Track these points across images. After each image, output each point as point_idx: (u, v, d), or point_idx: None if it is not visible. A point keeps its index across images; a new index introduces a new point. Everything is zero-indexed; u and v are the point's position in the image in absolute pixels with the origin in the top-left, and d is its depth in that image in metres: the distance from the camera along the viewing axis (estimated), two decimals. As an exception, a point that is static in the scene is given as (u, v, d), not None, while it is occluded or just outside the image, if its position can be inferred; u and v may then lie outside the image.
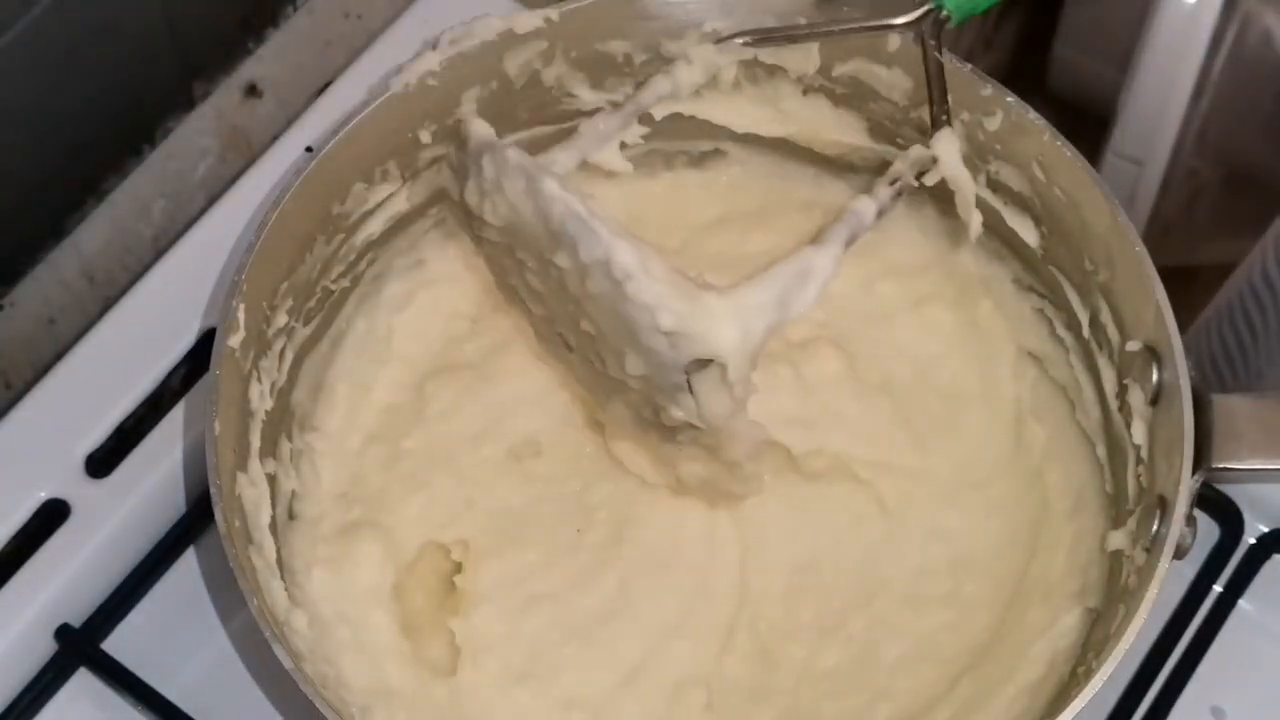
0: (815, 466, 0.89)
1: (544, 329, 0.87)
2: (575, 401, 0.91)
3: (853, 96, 0.90)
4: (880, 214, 0.81)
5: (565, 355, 0.87)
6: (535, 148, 0.92)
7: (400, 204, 0.90)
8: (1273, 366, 1.22)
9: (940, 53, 0.84)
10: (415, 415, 0.90)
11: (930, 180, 0.84)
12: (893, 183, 0.83)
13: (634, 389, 0.81)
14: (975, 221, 0.86)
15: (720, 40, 0.88)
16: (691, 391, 0.77)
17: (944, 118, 0.84)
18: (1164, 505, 0.78)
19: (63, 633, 0.87)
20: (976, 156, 0.88)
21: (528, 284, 0.84)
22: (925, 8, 0.84)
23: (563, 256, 0.77)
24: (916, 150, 0.84)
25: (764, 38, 0.88)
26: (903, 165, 0.84)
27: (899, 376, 0.91)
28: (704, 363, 0.76)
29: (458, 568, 0.87)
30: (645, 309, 0.74)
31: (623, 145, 0.90)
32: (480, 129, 0.81)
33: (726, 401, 0.78)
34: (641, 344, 0.76)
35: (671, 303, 0.74)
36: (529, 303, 0.86)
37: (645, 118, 0.92)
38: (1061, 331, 0.89)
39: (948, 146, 0.84)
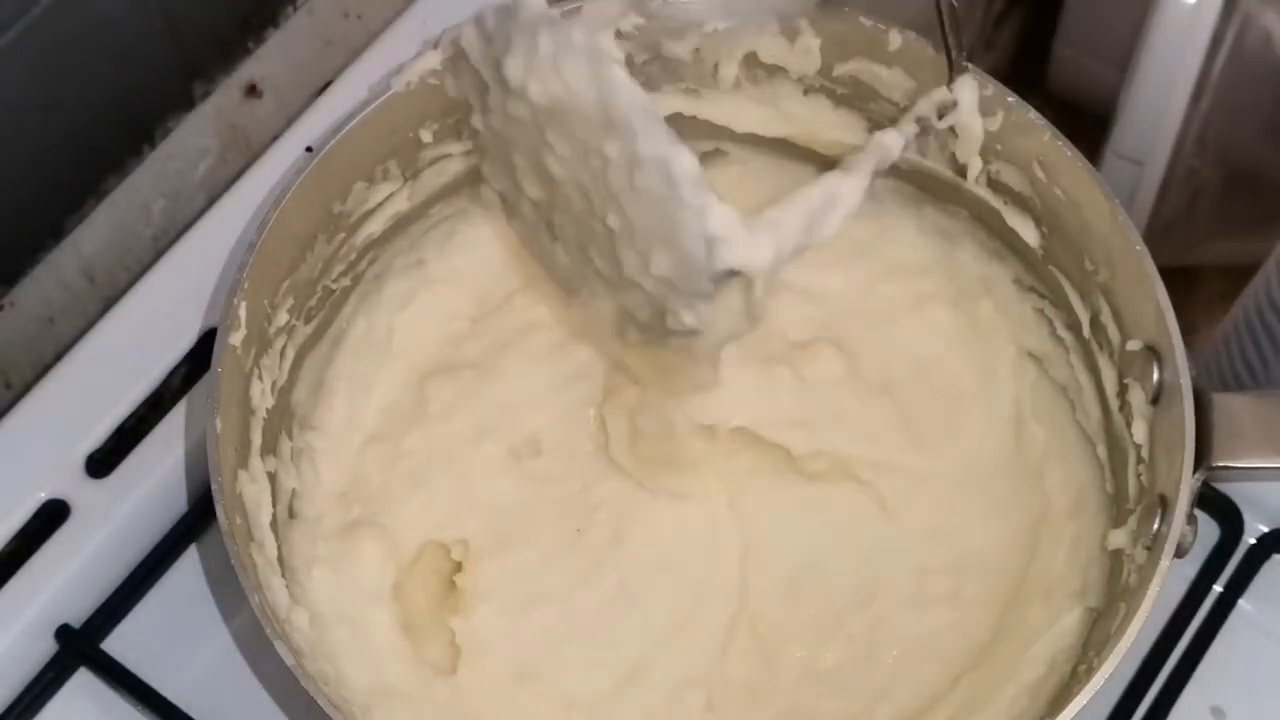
0: (816, 467, 0.89)
1: (530, 212, 0.85)
2: (576, 401, 0.91)
3: (853, 96, 0.90)
4: (904, 148, 0.82)
5: (545, 244, 0.85)
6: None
7: (401, 203, 0.90)
8: None
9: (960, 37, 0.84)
10: (415, 415, 0.90)
11: (948, 122, 0.85)
12: (918, 120, 0.83)
13: (645, 290, 0.80)
14: (975, 165, 0.87)
15: None
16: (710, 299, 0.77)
17: (961, 56, 0.83)
18: (1165, 504, 0.78)
19: (63, 633, 0.87)
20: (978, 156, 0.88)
21: (542, 166, 0.81)
22: None
23: (614, 146, 0.76)
24: (940, 92, 0.84)
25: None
26: (927, 105, 0.84)
27: (899, 377, 0.91)
28: (729, 275, 0.76)
29: (458, 567, 0.87)
30: (696, 212, 0.74)
31: (618, 33, 0.87)
32: (536, 2, 0.78)
33: (740, 314, 0.78)
34: (680, 246, 0.76)
35: (721, 211, 0.75)
36: (528, 185, 0.84)
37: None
38: (1062, 331, 0.89)
39: (968, 92, 0.84)
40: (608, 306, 0.84)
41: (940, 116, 0.84)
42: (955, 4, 0.82)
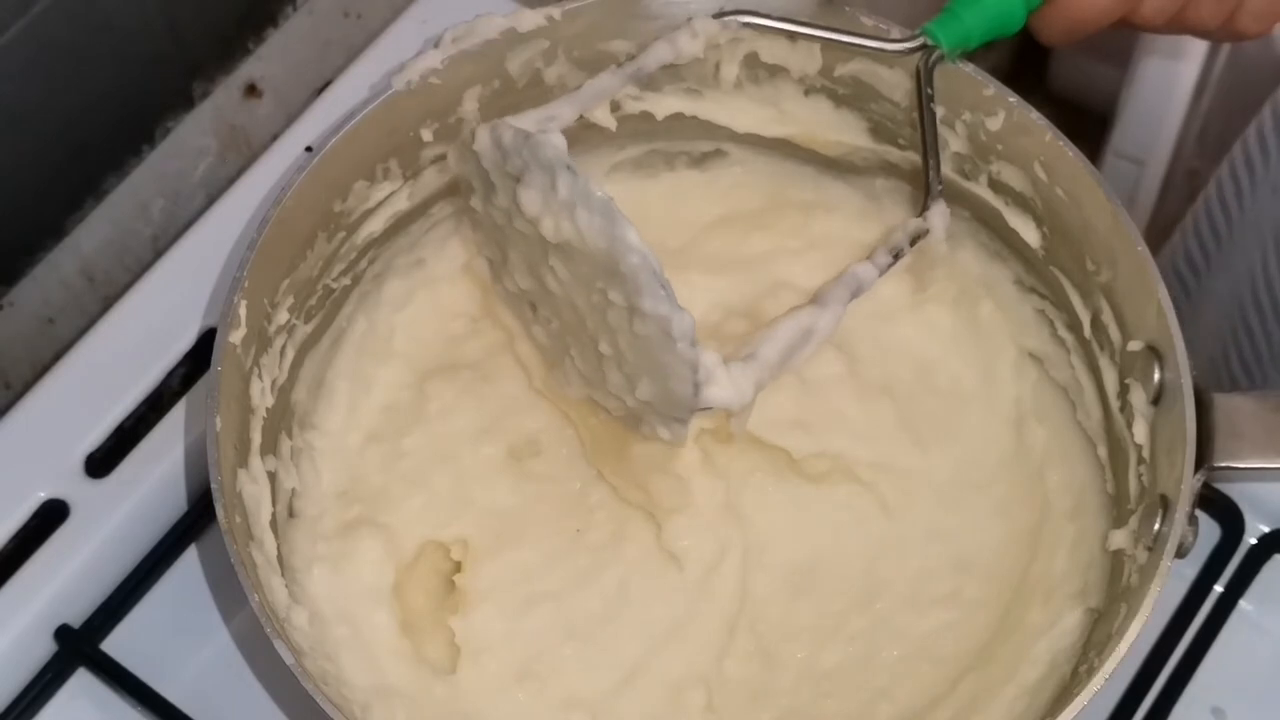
0: (817, 469, 0.89)
1: (515, 289, 0.87)
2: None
3: (854, 97, 0.90)
4: (880, 275, 0.84)
5: (525, 315, 0.88)
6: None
7: (401, 202, 0.90)
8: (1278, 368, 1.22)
9: (934, 100, 0.85)
10: (415, 414, 0.90)
11: (919, 246, 0.86)
12: (892, 249, 0.85)
13: (625, 403, 0.84)
14: (936, 279, 0.90)
15: (723, 15, 0.88)
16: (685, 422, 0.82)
17: (937, 180, 0.85)
18: (1165, 504, 0.78)
19: (62, 633, 0.87)
20: (978, 156, 0.88)
21: (539, 275, 0.84)
22: (919, 40, 0.85)
23: (618, 294, 0.79)
24: (915, 223, 0.85)
25: (765, 24, 0.88)
26: (901, 234, 0.85)
27: (900, 377, 0.91)
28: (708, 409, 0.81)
29: (457, 567, 0.87)
30: (688, 366, 0.78)
31: (615, 107, 0.91)
32: (559, 141, 0.80)
33: (713, 420, 0.84)
34: (668, 384, 0.79)
35: (709, 360, 0.79)
36: (520, 278, 0.86)
37: (646, 117, 0.92)
38: (1063, 332, 0.89)
39: (940, 220, 0.86)
40: (578, 391, 0.87)
41: (913, 243, 0.85)
42: (938, 128, 0.85)
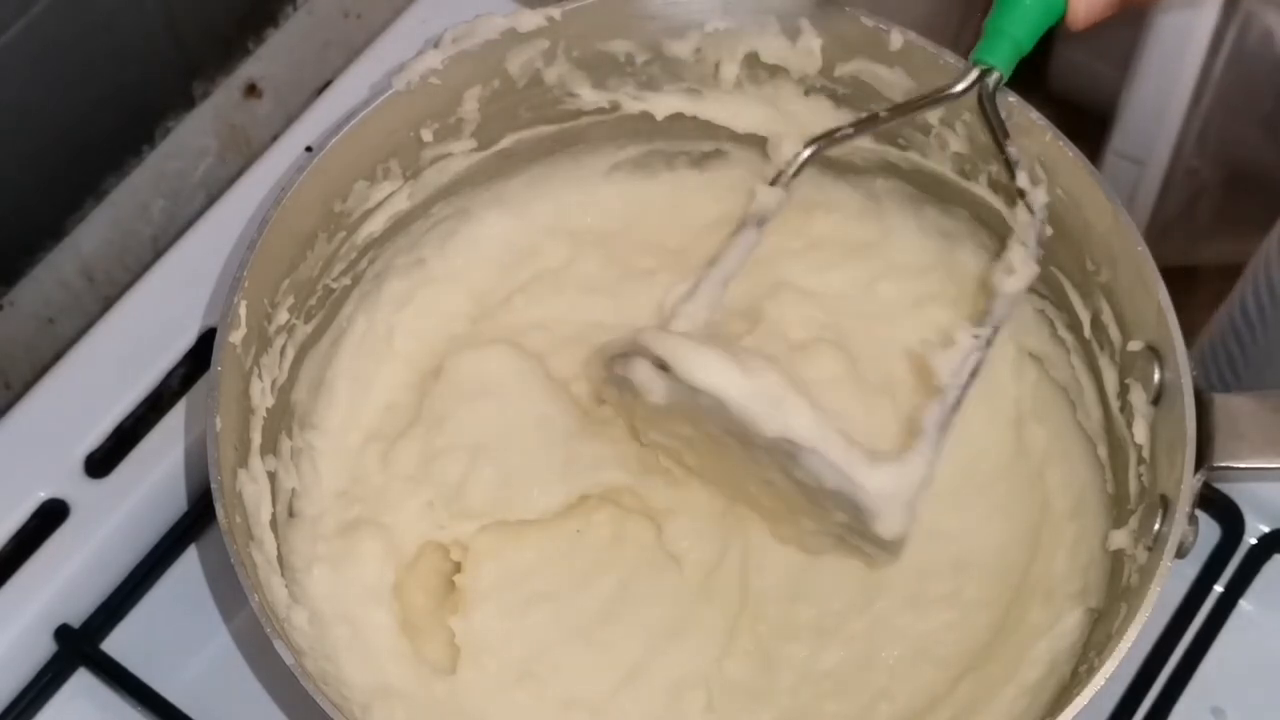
0: None
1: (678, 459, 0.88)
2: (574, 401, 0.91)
3: (854, 97, 0.90)
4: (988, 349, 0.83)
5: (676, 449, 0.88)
6: (538, 148, 0.92)
7: (401, 202, 0.90)
8: (1272, 368, 1.22)
9: (1008, 135, 0.84)
10: (415, 414, 0.90)
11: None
12: (996, 323, 0.83)
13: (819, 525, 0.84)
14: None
15: (792, 171, 0.88)
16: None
17: (1036, 234, 0.83)
18: (1166, 504, 0.78)
19: (62, 633, 0.87)
20: (978, 157, 0.88)
21: (703, 432, 0.84)
22: (976, 72, 0.84)
23: (796, 470, 0.79)
24: (1008, 286, 0.84)
25: (840, 137, 0.88)
26: (1002, 304, 0.84)
27: (900, 377, 0.91)
28: None
29: (457, 567, 0.87)
30: (846, 508, 0.79)
31: (615, 107, 0.92)
32: (718, 381, 0.80)
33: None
34: (830, 519, 0.82)
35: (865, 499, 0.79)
36: (688, 457, 0.87)
37: (646, 117, 0.92)
38: (1063, 332, 0.89)
39: (1023, 271, 0.84)
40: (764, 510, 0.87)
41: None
42: (1009, 128, 0.84)
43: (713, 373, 0.79)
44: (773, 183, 0.88)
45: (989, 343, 0.82)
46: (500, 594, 0.86)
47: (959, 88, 0.85)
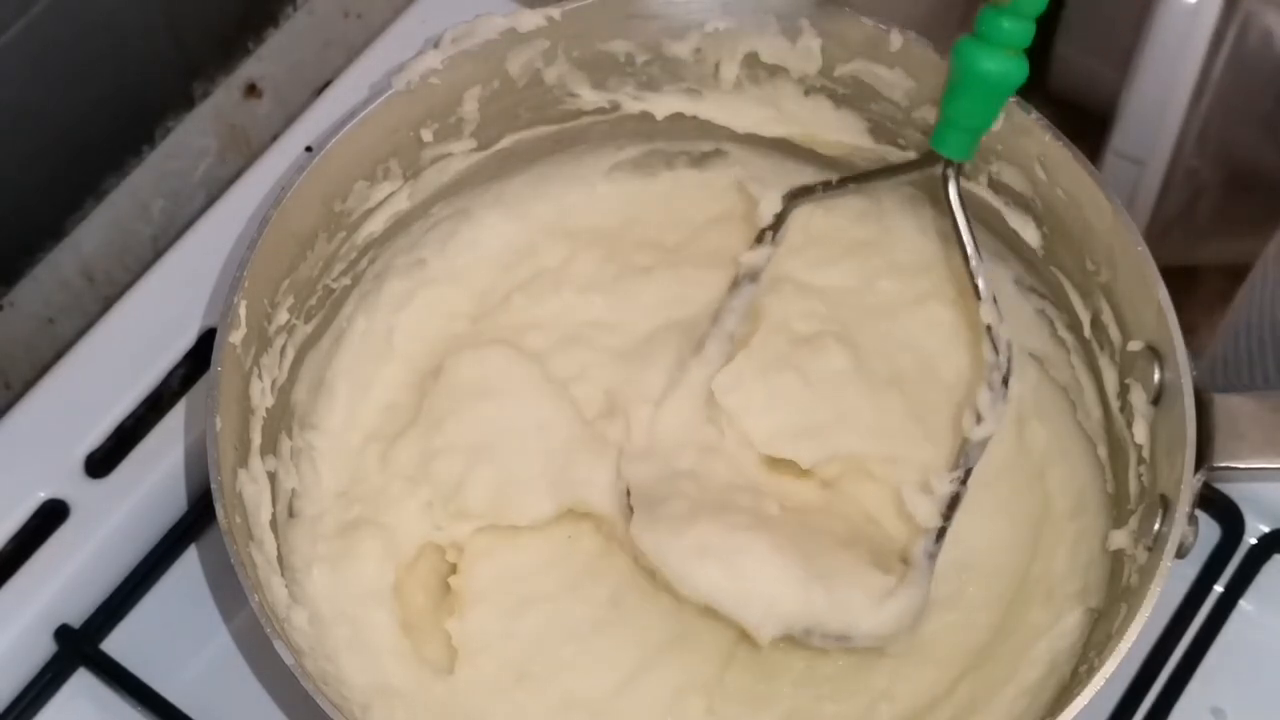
0: (828, 473, 0.88)
1: None
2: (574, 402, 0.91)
3: (854, 97, 0.90)
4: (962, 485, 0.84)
5: None
6: (538, 148, 0.92)
7: (401, 202, 0.90)
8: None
9: (971, 223, 0.83)
10: (414, 414, 0.89)
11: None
12: (968, 466, 0.84)
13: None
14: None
15: (775, 230, 0.88)
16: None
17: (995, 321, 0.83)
18: (1166, 505, 0.78)
19: (62, 633, 0.87)
20: (978, 157, 0.88)
21: None
22: (936, 158, 0.83)
23: None
24: (978, 431, 0.84)
25: (800, 195, 0.88)
26: (975, 448, 0.84)
27: (905, 370, 0.91)
28: None
29: (453, 568, 0.87)
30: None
31: (614, 107, 0.92)
32: None
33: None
34: None
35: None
36: None
37: (645, 117, 0.92)
38: (1063, 332, 0.89)
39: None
40: None
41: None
42: (965, 228, 0.83)
43: (700, 585, 0.82)
44: (758, 240, 0.88)
45: (964, 481, 0.84)
46: (495, 596, 0.86)
47: (913, 174, 0.85)
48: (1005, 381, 0.83)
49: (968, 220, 0.83)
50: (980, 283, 0.83)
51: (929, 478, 0.85)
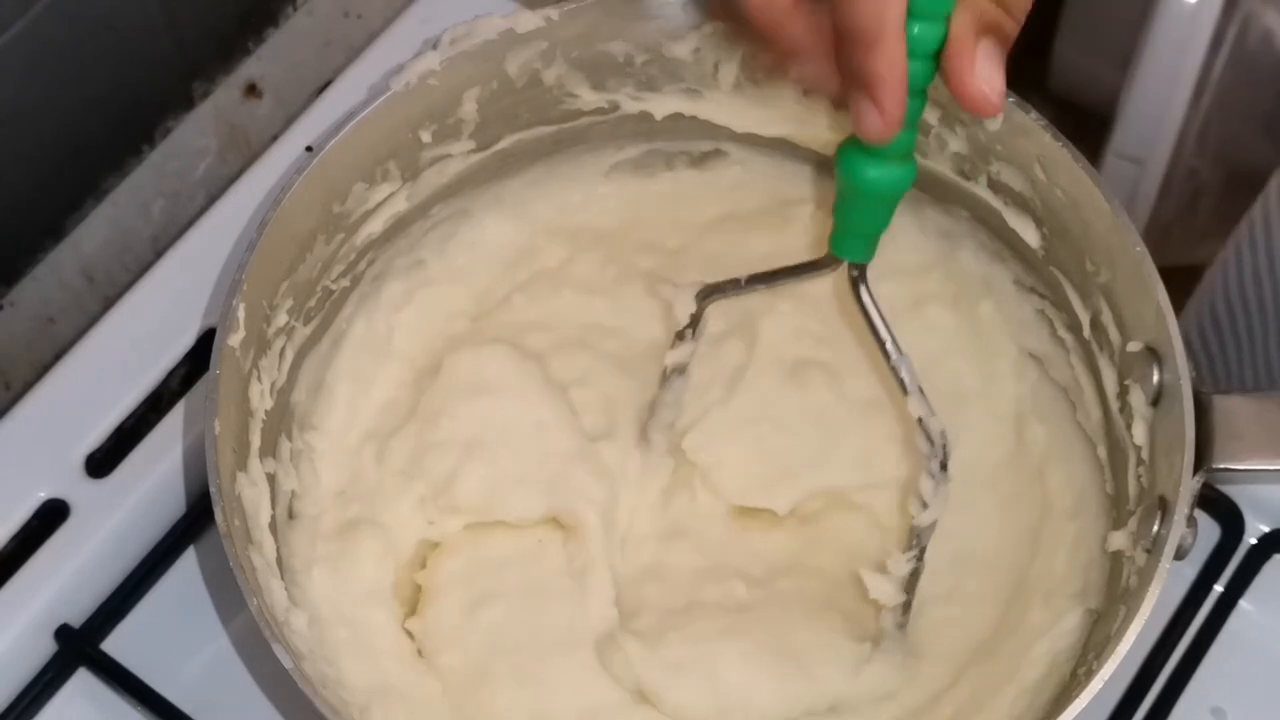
0: (808, 509, 0.88)
1: None
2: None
3: (852, 96, 0.90)
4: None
5: None
6: (537, 149, 0.92)
7: (400, 204, 0.90)
8: (1255, 361, 1.22)
9: (881, 318, 0.80)
10: (412, 414, 0.89)
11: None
12: (919, 549, 0.84)
13: None
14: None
15: (693, 329, 0.86)
16: None
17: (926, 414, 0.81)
18: (1165, 506, 0.77)
19: (63, 633, 0.87)
20: (978, 157, 0.88)
21: None
22: (836, 260, 0.81)
23: None
24: (920, 520, 0.83)
25: (713, 293, 0.85)
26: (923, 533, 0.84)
27: (891, 384, 0.90)
28: None
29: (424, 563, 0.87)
30: None
31: (614, 107, 0.91)
32: None
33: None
34: None
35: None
36: None
37: (645, 117, 0.92)
38: (1062, 332, 0.89)
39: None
40: None
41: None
42: (873, 317, 0.81)
43: (682, 706, 0.82)
44: (678, 337, 0.86)
45: (919, 557, 0.83)
46: (457, 590, 0.86)
47: (821, 272, 0.82)
48: (944, 466, 0.82)
49: (882, 317, 0.80)
50: (904, 377, 0.81)
51: (885, 560, 0.84)
